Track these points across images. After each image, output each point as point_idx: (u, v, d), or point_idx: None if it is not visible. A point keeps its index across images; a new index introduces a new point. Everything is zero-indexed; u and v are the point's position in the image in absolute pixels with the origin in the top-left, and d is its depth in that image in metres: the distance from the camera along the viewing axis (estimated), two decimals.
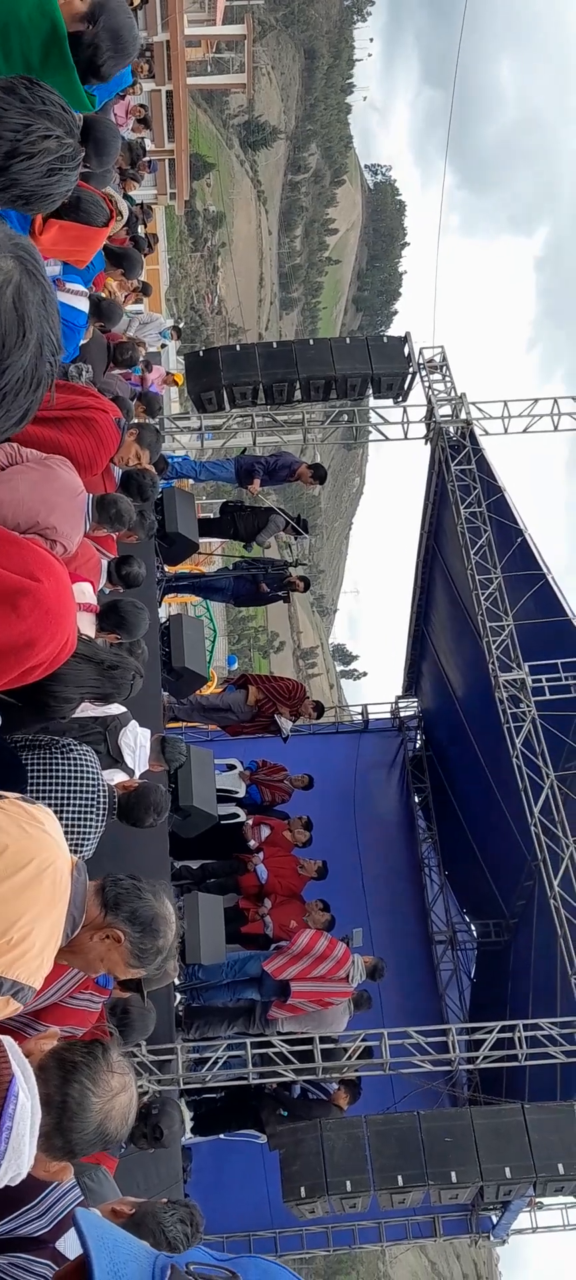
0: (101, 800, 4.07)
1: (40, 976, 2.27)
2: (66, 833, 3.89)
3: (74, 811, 3.94)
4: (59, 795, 3.94)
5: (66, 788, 3.95)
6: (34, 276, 1.37)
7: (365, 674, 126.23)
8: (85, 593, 4.58)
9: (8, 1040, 2.03)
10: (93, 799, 4.02)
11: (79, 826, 3.94)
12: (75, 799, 3.96)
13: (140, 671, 4.32)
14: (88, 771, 4.07)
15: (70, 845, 3.89)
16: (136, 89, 13.75)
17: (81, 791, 3.99)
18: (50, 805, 3.88)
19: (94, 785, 4.06)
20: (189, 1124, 9.71)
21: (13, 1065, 1.97)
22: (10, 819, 2.30)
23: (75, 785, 3.97)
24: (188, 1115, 9.72)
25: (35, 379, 1.38)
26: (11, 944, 2.18)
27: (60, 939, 2.39)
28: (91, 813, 4.00)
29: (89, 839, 3.99)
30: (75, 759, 4.06)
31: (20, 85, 2.07)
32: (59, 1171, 2.32)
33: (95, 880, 2.68)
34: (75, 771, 4.00)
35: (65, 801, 3.94)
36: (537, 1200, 9.28)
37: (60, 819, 3.87)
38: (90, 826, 3.99)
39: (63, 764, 3.99)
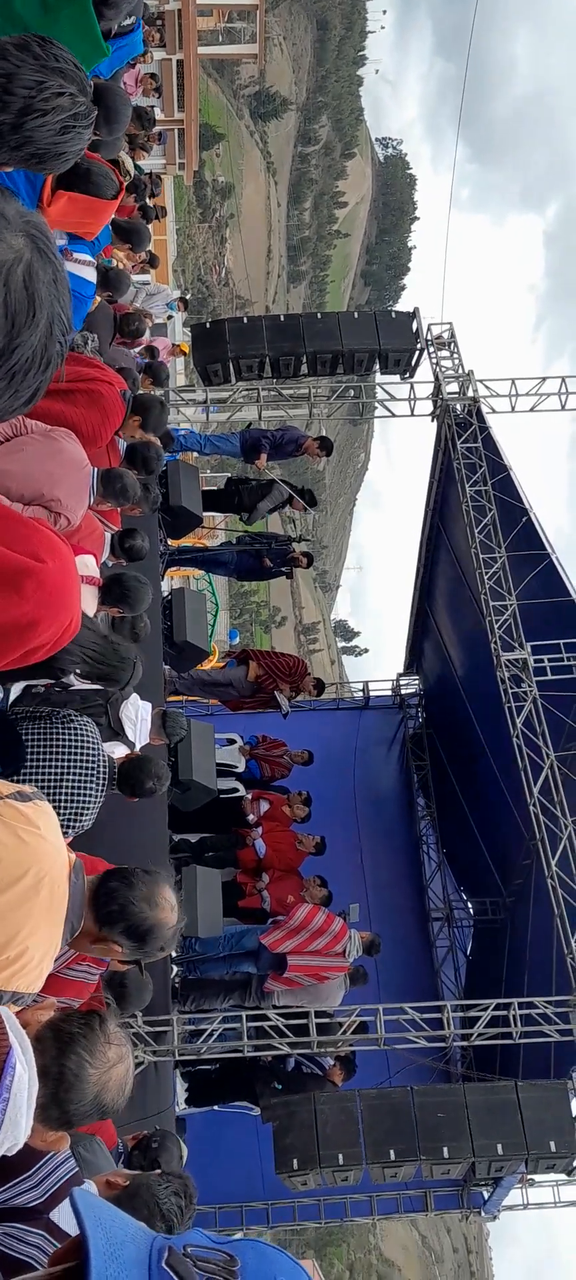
0: (101, 770, 4.08)
1: (39, 984, 2.27)
2: (66, 803, 3.93)
3: (73, 781, 3.96)
4: (59, 765, 3.95)
5: (66, 758, 3.97)
6: (45, 255, 1.36)
7: (366, 650, 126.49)
8: (88, 565, 4.58)
9: (5, 1011, 2.04)
10: (92, 769, 4.04)
11: (78, 796, 3.96)
12: (75, 769, 3.98)
13: (138, 660, 4.35)
14: (87, 741, 4.08)
15: (69, 815, 3.93)
16: (147, 58, 13.66)
17: (81, 761, 4.00)
18: (50, 775, 3.90)
19: (94, 755, 4.07)
20: (183, 1096, 9.78)
21: (10, 1036, 1.98)
22: (5, 826, 2.28)
23: (75, 755, 3.99)
24: (182, 1086, 9.78)
25: (45, 358, 1.37)
26: (9, 960, 2.18)
27: (59, 947, 2.39)
28: (91, 782, 4.02)
29: (88, 809, 4.01)
30: (75, 729, 4.08)
31: (33, 42, 2.05)
32: (55, 1141, 2.33)
33: (91, 881, 2.64)
34: (75, 742, 4.02)
35: (65, 771, 3.95)
36: (529, 1177, 9.36)
37: (60, 789, 3.91)
38: (90, 796, 4.01)
39: (63, 734, 4.01)
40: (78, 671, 4.00)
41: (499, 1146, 8.02)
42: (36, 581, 2.31)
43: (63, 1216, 2.39)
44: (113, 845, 5.13)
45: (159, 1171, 2.89)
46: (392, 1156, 7.96)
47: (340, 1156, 7.89)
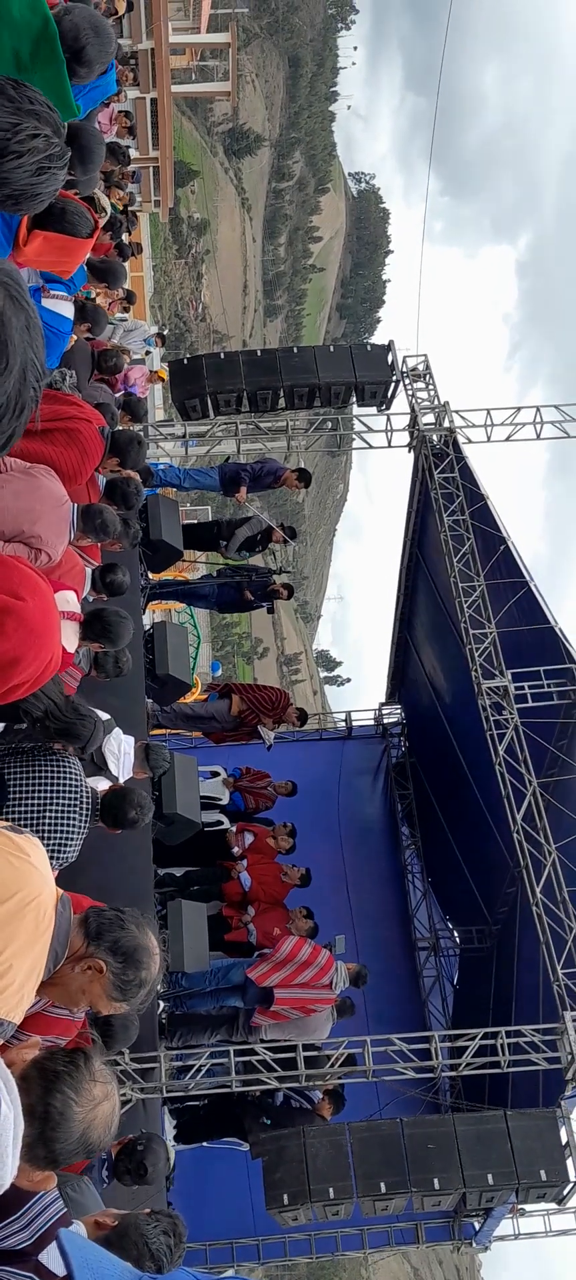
0: (84, 801, 4.08)
1: (20, 1011, 2.26)
2: (49, 833, 3.92)
3: (56, 812, 3.95)
4: (41, 796, 3.95)
5: (49, 789, 3.97)
6: (17, 302, 1.37)
7: (348, 680, 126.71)
8: (69, 601, 4.58)
9: None
10: (75, 800, 4.03)
11: (61, 827, 3.95)
12: (58, 799, 3.97)
13: (102, 725, 4.35)
14: (70, 774, 4.08)
15: (53, 847, 3.92)
16: (121, 97, 13.76)
17: (64, 793, 4.00)
18: (33, 806, 3.90)
19: (76, 787, 4.07)
20: (172, 1132, 9.69)
21: None
22: None
23: (58, 786, 3.99)
24: (171, 1123, 9.70)
25: (19, 404, 1.38)
26: None
27: (42, 973, 2.38)
28: (74, 813, 4.01)
29: (72, 839, 4.00)
30: (57, 762, 4.08)
31: (7, 85, 2.07)
32: (42, 1181, 2.31)
33: (79, 913, 2.66)
34: (57, 774, 4.02)
35: (48, 802, 3.95)
36: (520, 1206, 9.30)
37: (43, 819, 3.90)
38: (73, 826, 4.00)
39: (45, 767, 4.01)
40: (37, 717, 3.98)
41: (489, 1176, 7.98)
42: (17, 619, 2.31)
43: (51, 1258, 2.36)
44: (98, 880, 5.11)
45: (147, 1211, 2.86)
46: (383, 1189, 7.91)
47: (331, 1190, 7.83)
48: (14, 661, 2.31)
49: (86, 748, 4.35)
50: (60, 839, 3.94)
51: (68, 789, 4.02)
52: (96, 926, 2.66)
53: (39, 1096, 2.24)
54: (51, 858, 3.84)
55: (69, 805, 4.00)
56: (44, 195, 2.14)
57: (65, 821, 3.97)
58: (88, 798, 4.14)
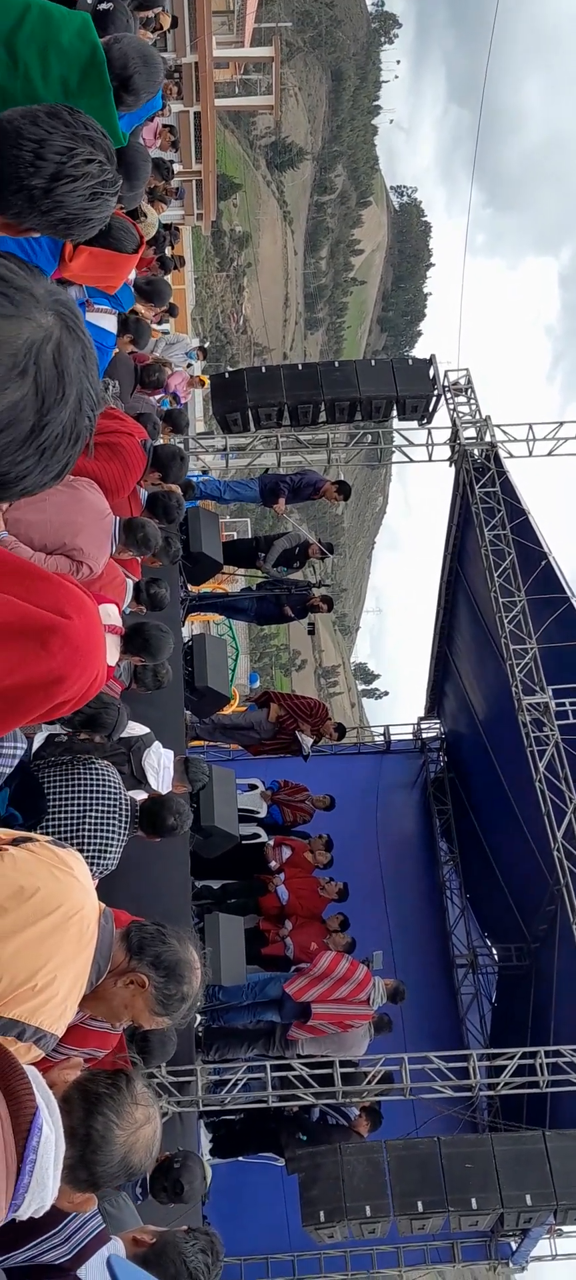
0: (123, 809, 4.10)
1: (63, 1024, 2.28)
2: (88, 839, 3.94)
3: (96, 818, 3.98)
4: (80, 803, 3.97)
5: (87, 795, 3.99)
6: (74, 332, 1.39)
7: (387, 693, 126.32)
8: (110, 614, 4.60)
9: (32, 1071, 2.03)
10: (114, 806, 4.05)
11: (101, 832, 3.97)
12: (97, 806, 4.00)
13: (126, 710, 4.37)
14: (108, 781, 4.11)
15: (93, 853, 3.94)
16: (165, 111, 13.86)
17: (102, 799, 4.02)
18: (72, 813, 3.93)
19: (115, 794, 4.09)
20: (208, 1146, 9.69)
21: (37, 1097, 1.97)
22: (40, 863, 2.32)
23: (96, 793, 4.01)
24: (207, 1137, 9.70)
25: (74, 434, 1.40)
26: (36, 990, 2.19)
27: (84, 986, 2.39)
28: (113, 819, 4.03)
29: (112, 846, 4.02)
30: (95, 770, 4.11)
31: (63, 111, 2.10)
32: (83, 1203, 2.32)
33: (120, 927, 2.67)
34: (95, 781, 4.05)
35: (87, 809, 3.97)
36: (557, 1227, 9.19)
37: (82, 826, 3.93)
38: (112, 832, 4.02)
39: (84, 775, 4.04)
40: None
41: (527, 1197, 7.90)
42: (63, 638, 2.32)
43: (90, 1273, 2.37)
44: (136, 892, 5.13)
45: (185, 1228, 2.86)
46: (420, 1208, 7.85)
47: (367, 1208, 7.78)
48: (59, 679, 2.32)
49: (112, 734, 4.36)
50: (100, 845, 3.96)
51: (107, 796, 4.05)
52: (139, 941, 2.66)
53: (80, 1119, 2.24)
54: (92, 864, 3.87)
55: (108, 811, 4.02)
56: (96, 221, 2.17)
57: (105, 827, 3.99)
58: (127, 805, 4.16)
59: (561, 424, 11.57)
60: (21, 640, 2.42)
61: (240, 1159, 10.13)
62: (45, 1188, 1.93)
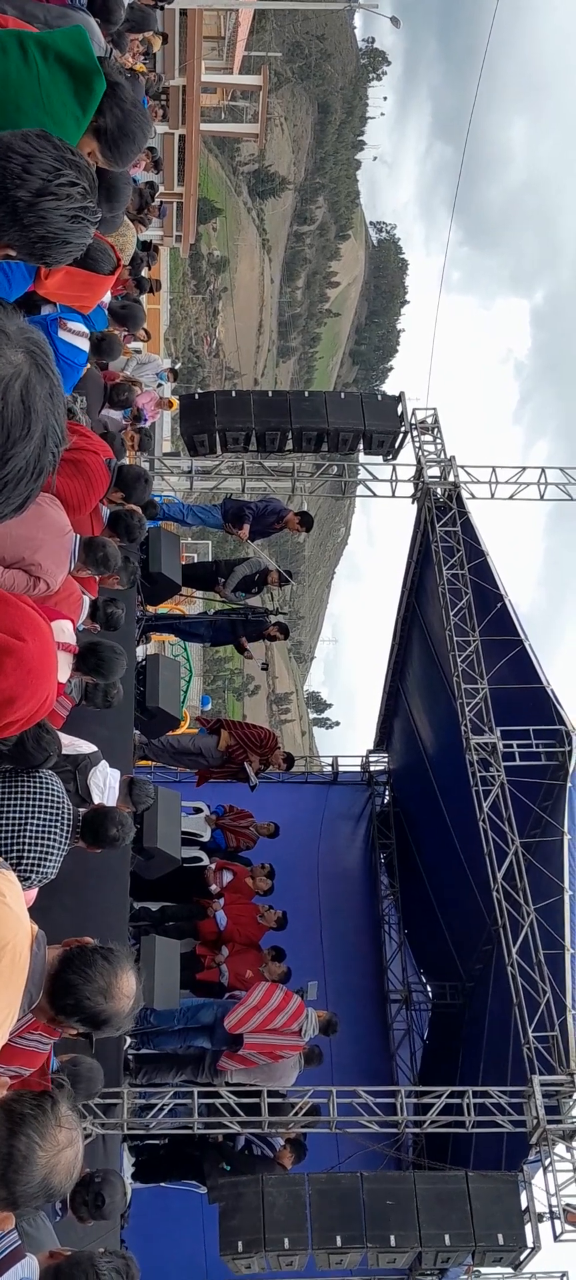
0: (65, 817, 4.09)
1: None
2: (29, 848, 3.94)
3: (37, 827, 3.96)
4: (22, 811, 3.95)
5: (29, 803, 3.97)
6: (43, 370, 1.44)
7: (338, 723, 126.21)
8: (65, 631, 4.63)
9: None
10: (56, 815, 4.04)
11: (42, 841, 3.95)
12: (38, 814, 3.98)
13: (59, 745, 4.38)
14: (51, 790, 4.10)
15: (33, 860, 3.94)
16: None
17: (44, 808, 4.01)
18: (13, 820, 3.91)
19: (57, 802, 4.08)
20: (130, 1170, 9.62)
21: None
22: None
23: (38, 801, 4.00)
24: (129, 1161, 9.62)
25: (37, 468, 1.44)
26: None
27: (16, 1015, 2.38)
28: (55, 828, 4.02)
29: (52, 855, 4.00)
30: (39, 778, 4.10)
31: (51, 136, 2.16)
32: (0, 1221, 2.33)
33: (51, 960, 2.63)
34: (38, 789, 4.03)
35: (29, 817, 3.95)
36: (475, 1269, 9.24)
37: (24, 834, 3.92)
38: (54, 841, 4.00)
39: (26, 783, 4.03)
40: None
41: (447, 1237, 7.92)
42: (17, 659, 2.36)
43: None
44: (74, 911, 5.15)
45: (102, 1250, 2.88)
46: (339, 1243, 7.86)
47: (286, 1240, 7.78)
48: (10, 700, 2.36)
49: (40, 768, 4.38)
50: (40, 853, 3.95)
51: (48, 803, 4.03)
52: (63, 1006, 2.63)
53: (3, 1138, 2.24)
54: (31, 871, 3.88)
55: (50, 820, 4.00)
56: (73, 246, 2.22)
57: (46, 836, 3.97)
58: (69, 814, 4.14)
59: (523, 469, 11.79)
60: None
61: (162, 1184, 10.08)
62: None
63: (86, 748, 5.08)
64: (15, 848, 3.88)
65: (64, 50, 3.13)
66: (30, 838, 3.90)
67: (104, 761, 4.93)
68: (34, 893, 4.07)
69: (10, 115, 2.97)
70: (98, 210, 2.30)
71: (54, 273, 4.62)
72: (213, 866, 10.89)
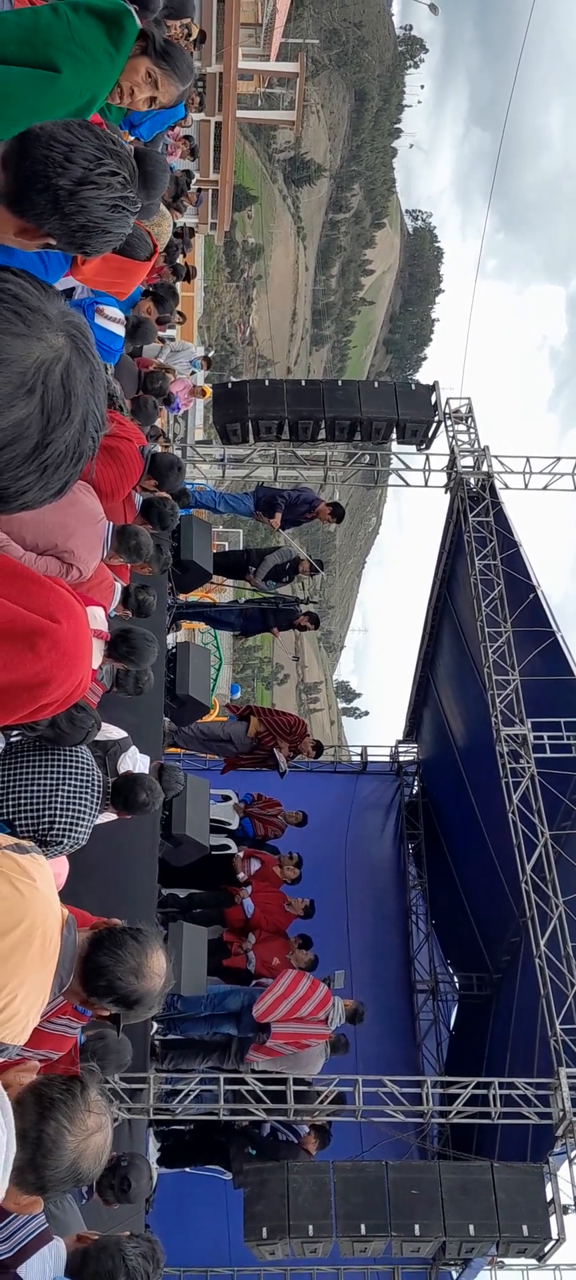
0: (96, 784, 4.14)
1: (26, 1035, 2.27)
2: (60, 813, 3.98)
3: (68, 792, 4.00)
4: (54, 776, 4.00)
5: (60, 770, 4.02)
6: (83, 354, 1.44)
7: (367, 713, 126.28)
8: (97, 618, 4.65)
9: None
10: (87, 781, 4.09)
11: (73, 806, 4.00)
12: (70, 780, 4.03)
13: (98, 721, 4.40)
14: (81, 758, 4.15)
15: (64, 825, 3.99)
16: (186, 121, 13.94)
17: (75, 775, 4.06)
18: (45, 786, 3.96)
19: (88, 770, 4.13)
20: (156, 1155, 9.69)
21: None
22: (2, 876, 2.26)
23: (69, 769, 4.05)
24: (155, 1145, 9.70)
25: (77, 453, 1.44)
26: None
27: (47, 999, 2.38)
28: (86, 794, 4.06)
29: (82, 820, 4.04)
30: (70, 748, 4.14)
31: (94, 125, 2.16)
32: (29, 1205, 2.33)
33: (81, 942, 2.62)
34: (69, 757, 4.08)
35: (60, 782, 4.00)
36: (499, 1259, 9.25)
37: (55, 799, 3.97)
38: (84, 807, 4.05)
39: (57, 751, 4.08)
40: None
41: (471, 1227, 7.94)
42: (51, 641, 2.37)
43: (30, 1272, 2.40)
44: (103, 897, 5.19)
45: (127, 1234, 2.91)
46: (363, 1231, 7.90)
47: (310, 1228, 7.82)
48: (45, 683, 2.37)
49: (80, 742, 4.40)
50: (71, 818, 3.98)
51: (79, 770, 4.08)
52: (95, 988, 2.63)
53: (33, 1122, 2.24)
54: (63, 837, 3.92)
55: (80, 786, 4.04)
56: (113, 235, 2.22)
57: (77, 801, 4.01)
58: (99, 781, 4.19)
59: (558, 459, 11.68)
60: (10, 642, 2.48)
61: (187, 1170, 10.15)
62: None
63: (117, 733, 5.11)
64: (47, 813, 3.93)
65: (93, 3, 3.16)
66: (61, 803, 3.95)
67: (134, 747, 4.97)
68: (65, 864, 4.12)
69: (40, 51, 3.00)
70: (137, 200, 2.30)
71: (90, 259, 4.65)
72: (241, 854, 10.93)
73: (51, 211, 2.07)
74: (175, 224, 11.15)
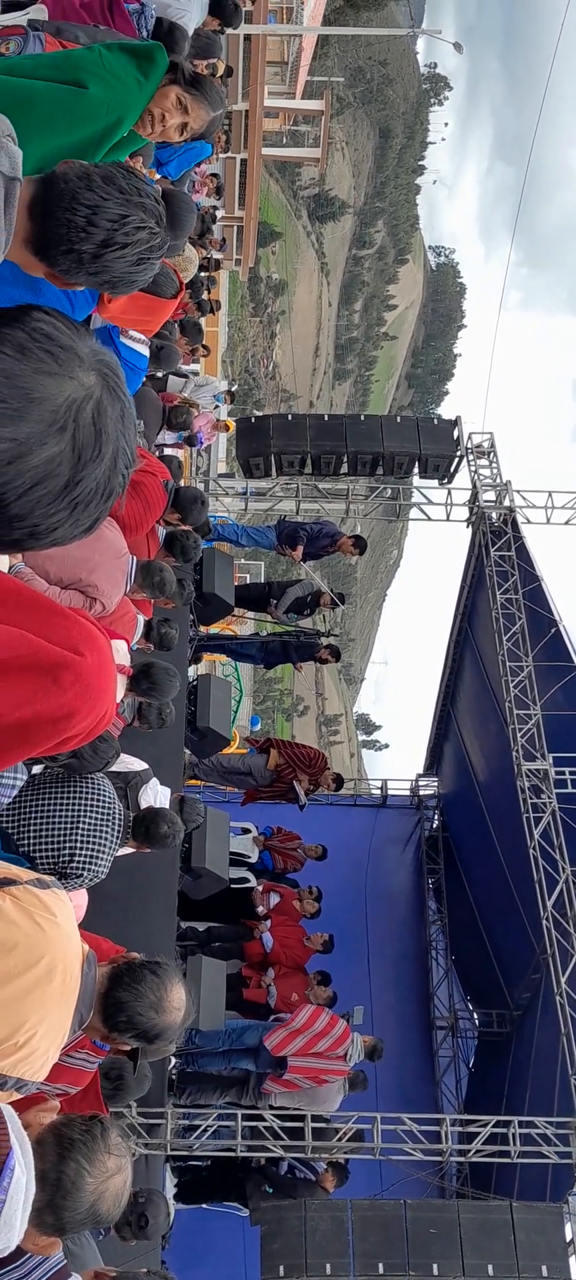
0: (116, 817, 4.15)
1: (45, 1071, 2.27)
2: (81, 845, 4.00)
3: (89, 825, 4.02)
4: (74, 810, 4.02)
5: (81, 804, 4.04)
6: (114, 392, 1.45)
7: (387, 746, 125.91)
8: (120, 651, 4.68)
9: (8, 1110, 2.03)
10: (108, 814, 4.11)
11: (94, 838, 4.01)
12: (90, 814, 4.04)
13: (118, 751, 4.42)
14: (102, 790, 4.16)
15: (85, 858, 4.00)
16: (213, 159, 14.11)
17: (96, 808, 4.07)
18: (66, 818, 3.98)
19: (108, 803, 4.15)
20: (172, 1190, 9.63)
21: (11, 1138, 1.98)
22: (23, 912, 2.25)
23: (89, 802, 4.06)
24: (172, 1181, 9.64)
25: (107, 490, 1.46)
26: (17, 1046, 2.16)
27: (67, 1035, 2.37)
28: (107, 827, 4.07)
29: (103, 853, 4.05)
30: (91, 780, 4.16)
31: (118, 176, 2.14)
32: (47, 1246, 2.32)
33: (101, 977, 2.62)
34: (89, 790, 4.10)
35: (81, 814, 4.02)
36: None
37: (76, 831, 3.99)
38: (105, 841, 4.06)
39: (78, 784, 4.10)
40: None
41: (490, 1267, 7.84)
42: (75, 674, 2.38)
43: None
44: (121, 929, 5.20)
45: (144, 1271, 2.90)
46: (382, 1270, 7.82)
47: (328, 1266, 7.74)
48: (69, 715, 2.38)
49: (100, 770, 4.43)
50: (92, 851, 3.99)
51: (101, 803, 4.09)
52: (115, 1024, 2.63)
53: (53, 1163, 2.23)
54: (84, 869, 3.93)
55: (102, 819, 4.05)
56: (139, 283, 2.25)
57: (98, 833, 4.01)
58: (120, 814, 4.20)
59: None
60: (34, 674, 2.51)
61: (204, 1206, 10.08)
62: (12, 1229, 1.93)
63: (137, 765, 5.14)
64: (67, 846, 3.94)
65: (127, 43, 3.27)
66: (82, 836, 3.97)
67: (155, 780, 4.99)
68: (85, 895, 4.13)
69: (69, 74, 3.09)
70: (166, 241, 2.32)
71: (117, 297, 4.72)
72: (260, 888, 10.91)
73: (76, 270, 2.09)
74: (201, 259, 11.27)
